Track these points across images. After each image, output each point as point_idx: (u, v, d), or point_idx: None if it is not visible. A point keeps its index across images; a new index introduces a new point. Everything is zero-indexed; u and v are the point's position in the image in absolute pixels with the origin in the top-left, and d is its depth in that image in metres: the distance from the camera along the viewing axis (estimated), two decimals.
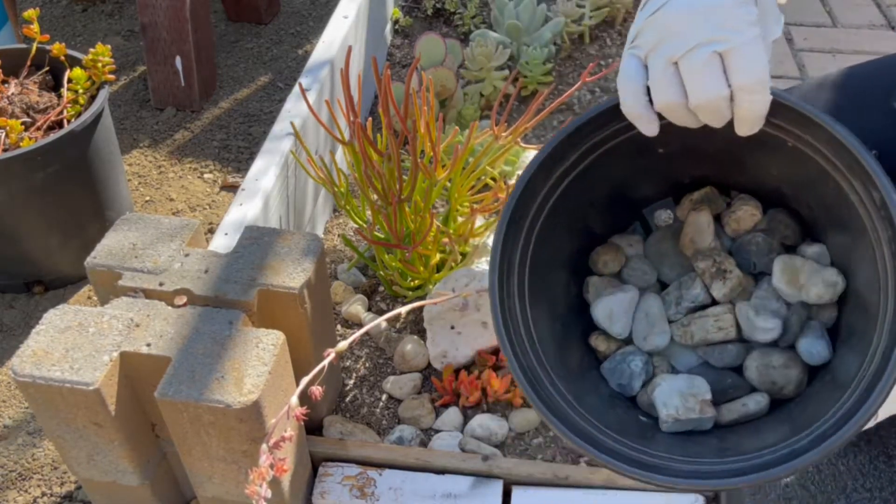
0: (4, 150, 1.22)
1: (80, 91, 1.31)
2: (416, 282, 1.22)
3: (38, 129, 1.27)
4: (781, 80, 1.76)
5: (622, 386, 0.84)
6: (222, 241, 1.06)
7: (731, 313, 0.81)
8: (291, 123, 1.23)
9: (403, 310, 0.92)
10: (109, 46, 1.33)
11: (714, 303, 0.83)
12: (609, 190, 0.86)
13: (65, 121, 1.30)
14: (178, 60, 1.71)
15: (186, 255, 0.95)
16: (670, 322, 0.84)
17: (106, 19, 2.06)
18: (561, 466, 1.03)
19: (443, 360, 1.15)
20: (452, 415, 1.11)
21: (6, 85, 1.32)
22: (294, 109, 1.30)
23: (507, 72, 1.68)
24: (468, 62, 1.66)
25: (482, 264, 1.15)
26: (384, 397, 1.15)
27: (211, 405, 0.79)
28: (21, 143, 1.21)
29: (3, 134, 1.24)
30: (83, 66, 1.31)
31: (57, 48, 1.33)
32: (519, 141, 1.14)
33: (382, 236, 1.22)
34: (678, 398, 0.79)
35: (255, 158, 1.21)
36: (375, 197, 1.13)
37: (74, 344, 0.83)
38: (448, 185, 1.21)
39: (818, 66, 1.82)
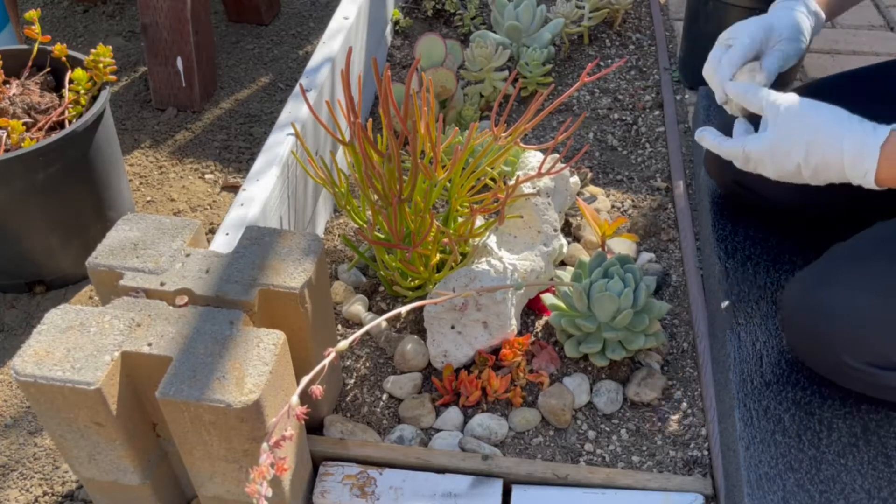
0: (6, 151, 1.22)
1: (82, 91, 1.31)
2: (417, 282, 1.22)
3: (40, 129, 1.28)
4: None
5: None
6: (223, 242, 1.06)
7: None
8: (292, 124, 1.23)
9: (403, 309, 0.92)
10: (110, 47, 1.34)
11: None
12: None
13: (66, 121, 1.30)
14: (178, 61, 1.71)
15: (187, 256, 0.95)
16: None
17: (107, 20, 2.06)
18: (560, 465, 1.03)
19: (443, 359, 1.15)
20: (452, 414, 1.12)
21: (8, 86, 1.33)
22: (295, 110, 1.31)
23: (506, 72, 1.68)
24: (468, 63, 1.66)
25: (482, 264, 1.16)
26: (384, 397, 1.16)
27: (212, 405, 0.79)
28: (23, 144, 1.22)
29: (5, 134, 1.24)
30: (84, 66, 1.31)
31: (58, 49, 1.34)
32: (518, 141, 1.14)
33: (382, 236, 1.22)
34: None
35: (256, 159, 1.21)
36: (376, 197, 1.14)
37: (76, 344, 0.84)
38: (448, 185, 1.21)
39: (817, 67, 1.82)
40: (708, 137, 1.00)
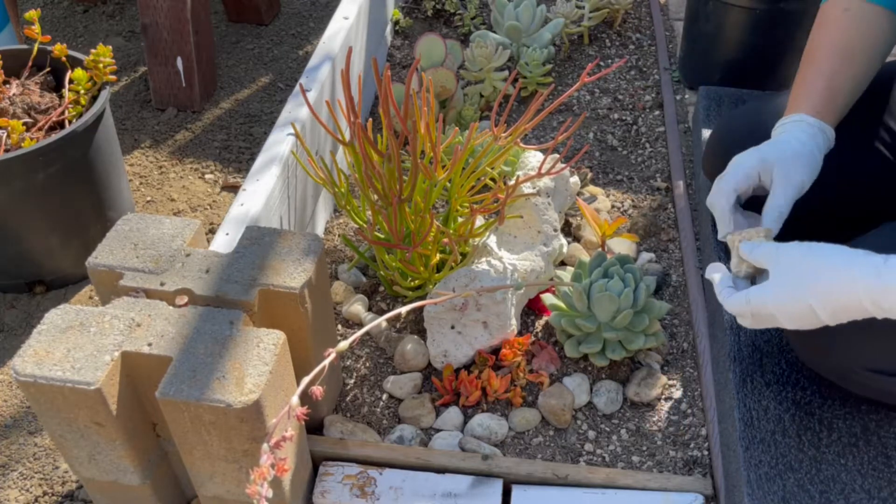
0: (6, 151, 1.22)
1: (82, 91, 1.31)
2: (417, 282, 1.22)
3: (40, 129, 1.28)
4: None
5: None
6: (223, 241, 1.06)
7: None
8: (292, 124, 1.23)
9: (403, 310, 0.92)
10: (110, 47, 1.34)
11: None
12: None
13: (66, 121, 1.30)
14: (178, 61, 1.71)
15: (187, 255, 0.95)
16: None
17: (107, 20, 2.06)
18: (560, 465, 1.03)
19: (443, 359, 1.15)
20: (452, 414, 1.11)
21: (8, 86, 1.33)
22: (295, 110, 1.31)
23: (506, 72, 1.68)
24: (468, 63, 1.66)
25: (482, 264, 1.16)
26: (384, 397, 1.16)
27: (212, 405, 0.79)
28: (23, 144, 1.22)
29: (5, 134, 1.24)
30: (84, 66, 1.31)
31: (58, 49, 1.34)
32: (518, 141, 1.14)
33: (383, 236, 1.22)
34: None
35: (256, 159, 1.21)
36: (376, 197, 1.14)
37: (76, 344, 0.84)
38: (448, 185, 1.21)
39: None
40: (716, 285, 0.90)
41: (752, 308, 0.85)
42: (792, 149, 0.96)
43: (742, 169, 0.96)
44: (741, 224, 0.97)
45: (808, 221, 1.05)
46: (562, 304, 1.17)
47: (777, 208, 0.94)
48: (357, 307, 1.25)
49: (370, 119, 1.20)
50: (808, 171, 0.96)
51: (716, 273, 0.91)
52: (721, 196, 0.96)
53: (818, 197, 1.04)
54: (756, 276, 0.90)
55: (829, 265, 0.80)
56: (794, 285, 0.82)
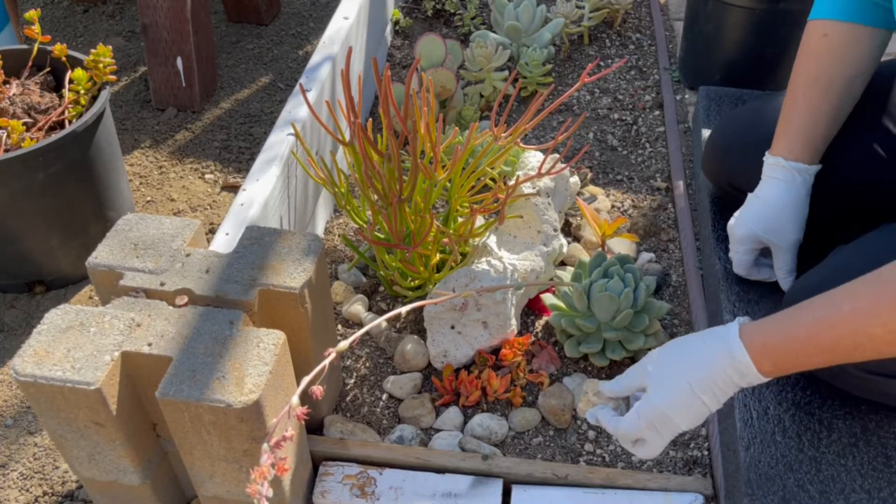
0: (6, 151, 1.22)
1: (82, 91, 1.31)
2: (417, 282, 1.22)
3: (40, 129, 1.28)
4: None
5: None
6: (223, 241, 1.06)
7: None
8: (292, 124, 1.23)
9: (403, 310, 0.92)
10: (110, 47, 1.34)
11: None
12: None
13: (66, 121, 1.30)
14: (178, 61, 1.71)
15: (187, 256, 0.95)
16: None
17: (107, 20, 2.06)
18: (560, 465, 1.03)
19: (443, 359, 1.15)
20: (452, 414, 1.11)
21: (8, 86, 1.33)
22: (295, 110, 1.31)
23: (506, 73, 1.68)
24: (468, 63, 1.66)
25: (482, 264, 1.16)
26: (384, 397, 1.16)
27: (212, 405, 0.79)
28: (23, 144, 1.22)
29: (5, 134, 1.24)
30: (84, 66, 1.31)
31: (58, 49, 1.34)
32: (518, 141, 1.14)
33: (383, 236, 1.22)
34: None
35: (256, 159, 1.21)
36: (376, 197, 1.14)
37: (75, 344, 0.84)
38: (448, 185, 1.21)
39: None
40: (603, 420, 0.89)
41: (647, 419, 0.84)
42: (774, 209, 1.04)
43: (742, 254, 1.09)
44: (767, 270, 1.11)
45: (810, 222, 1.05)
46: (562, 304, 1.17)
47: (783, 272, 1.06)
48: (357, 307, 1.25)
49: (370, 119, 1.20)
50: (795, 219, 1.04)
51: (597, 411, 0.90)
52: (745, 276, 1.12)
53: (818, 199, 1.04)
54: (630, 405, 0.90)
55: (687, 353, 0.83)
56: (672, 379, 0.83)
